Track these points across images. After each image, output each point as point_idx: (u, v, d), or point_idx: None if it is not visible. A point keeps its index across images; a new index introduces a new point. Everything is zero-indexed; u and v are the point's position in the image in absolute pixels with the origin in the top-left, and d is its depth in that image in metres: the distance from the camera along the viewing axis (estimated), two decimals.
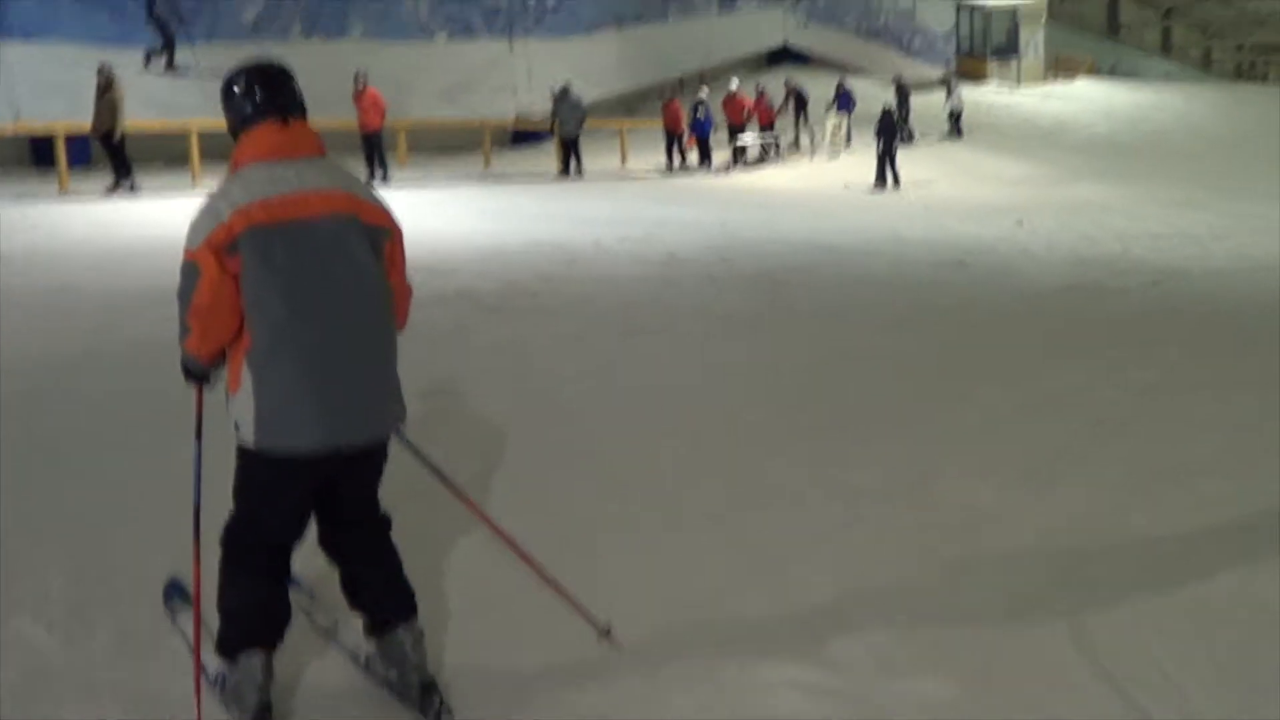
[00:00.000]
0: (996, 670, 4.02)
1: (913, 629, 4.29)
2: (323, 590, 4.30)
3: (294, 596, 3.78)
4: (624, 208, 18.01)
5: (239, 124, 3.60)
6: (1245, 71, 71.04)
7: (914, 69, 38.71)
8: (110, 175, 17.38)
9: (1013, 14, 39.77)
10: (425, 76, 26.30)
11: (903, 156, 24.53)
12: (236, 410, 3.44)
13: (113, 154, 17.28)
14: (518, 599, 4.37)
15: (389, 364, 3.63)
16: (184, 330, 3.43)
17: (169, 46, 22.61)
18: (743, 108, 27.42)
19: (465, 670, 4.00)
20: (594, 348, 8.72)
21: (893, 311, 10.43)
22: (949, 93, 31.25)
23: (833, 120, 29.04)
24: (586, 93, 24.86)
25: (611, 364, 8.25)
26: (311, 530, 3.73)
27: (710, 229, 15.89)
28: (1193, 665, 4.05)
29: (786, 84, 29.99)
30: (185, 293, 3.38)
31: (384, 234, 3.63)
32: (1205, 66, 66.43)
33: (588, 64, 29.52)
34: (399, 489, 4.00)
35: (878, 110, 24.81)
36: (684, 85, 32.05)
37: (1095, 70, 43.38)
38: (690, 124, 26.23)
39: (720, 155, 26.79)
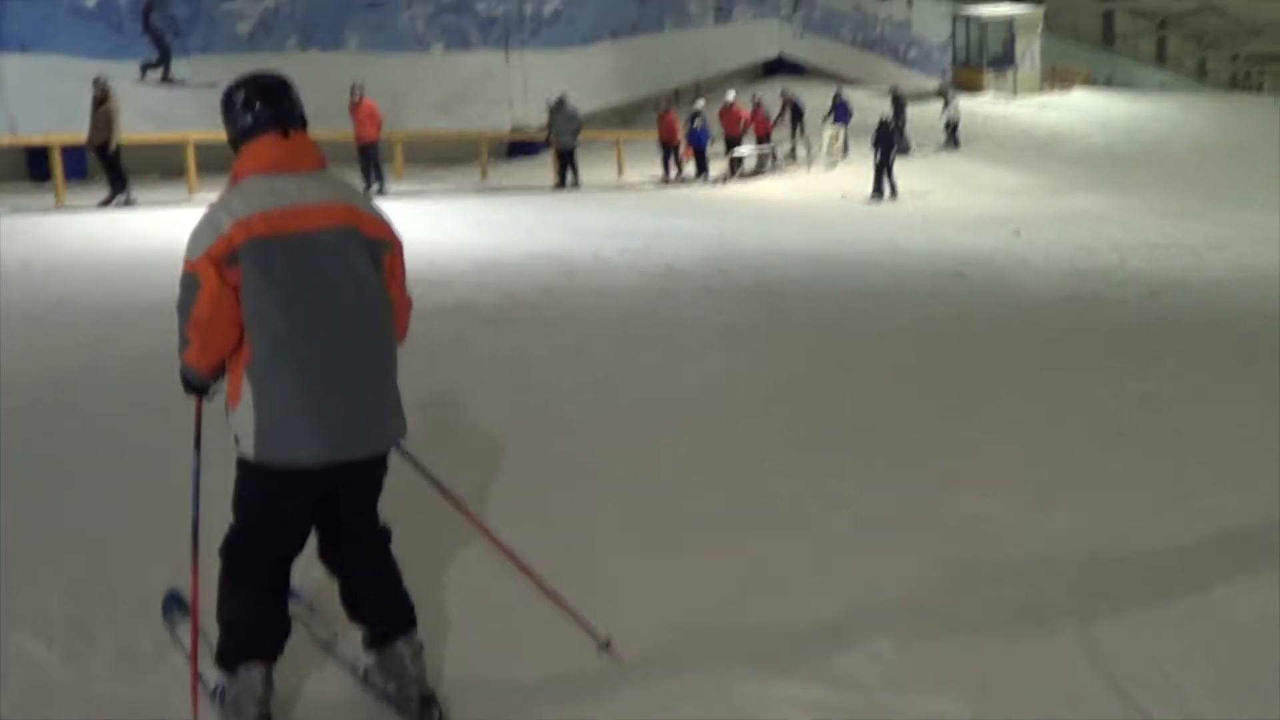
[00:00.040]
0: (1004, 683, 4.00)
1: (919, 643, 4.26)
2: (322, 602, 4.29)
3: (293, 608, 3.77)
4: (621, 219, 18.00)
5: (239, 136, 3.59)
6: (1240, 81, 71.37)
7: (910, 80, 38.85)
8: (106, 188, 17.34)
9: (1009, 24, 39.86)
10: (421, 88, 26.29)
11: (899, 167, 24.53)
12: (236, 423, 3.43)
13: (108, 166, 17.25)
14: (517, 611, 4.35)
15: (389, 377, 3.62)
16: (184, 342, 3.43)
17: (165, 59, 22.59)
18: (739, 118, 27.43)
19: (465, 683, 3.98)
20: (593, 359, 8.70)
21: (892, 323, 10.42)
22: (946, 103, 31.26)
23: (829, 131, 29.05)
24: (582, 104, 24.83)
25: (611, 375, 8.24)
26: (310, 542, 3.71)
27: (708, 240, 15.88)
28: (1200, 676, 4.03)
29: (783, 95, 30.03)
30: (185, 305, 3.37)
31: (384, 246, 3.63)
32: (1200, 76, 66.75)
33: (583, 75, 29.54)
34: (398, 501, 3.98)
35: (874, 121, 24.84)
36: (680, 96, 32.07)
37: (1091, 81, 43.46)
38: (687, 135, 26.21)
39: (717, 166, 26.76)
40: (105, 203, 17.02)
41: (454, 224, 16.16)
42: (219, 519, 3.62)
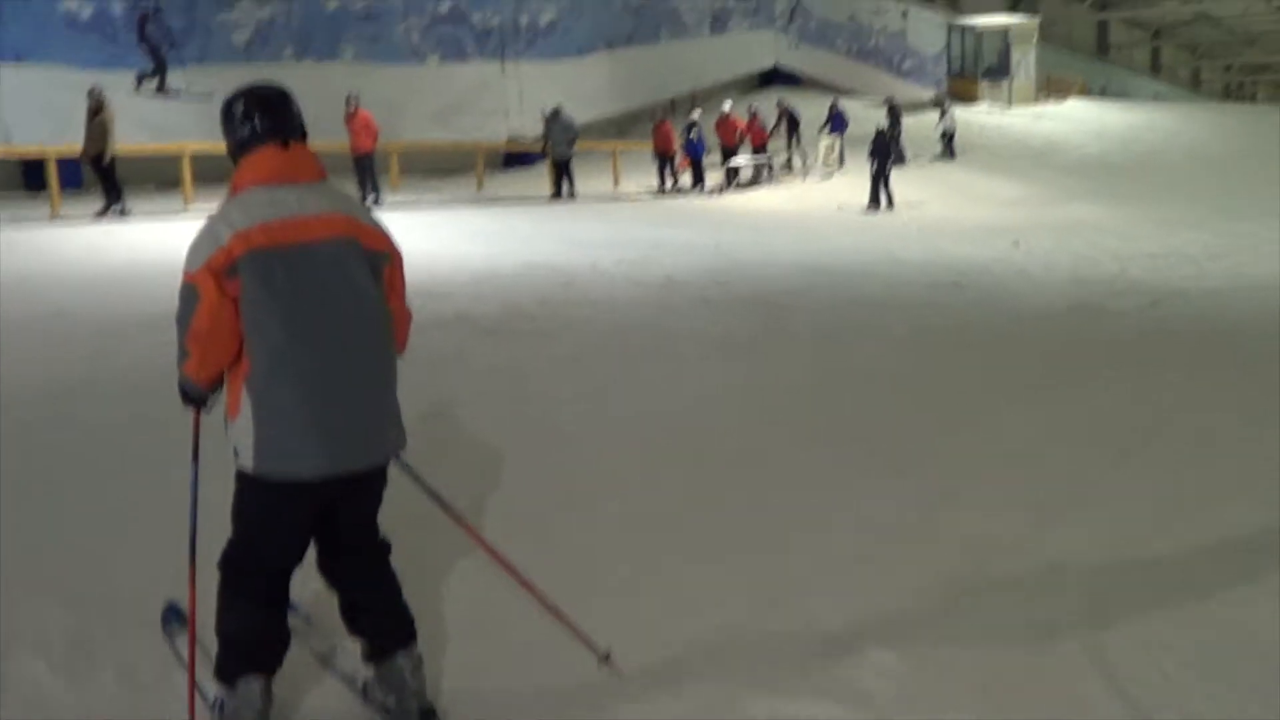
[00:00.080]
0: (1014, 696, 3.98)
1: (928, 657, 4.22)
2: (319, 615, 4.27)
3: (291, 621, 3.76)
4: (619, 230, 17.98)
5: (238, 147, 3.59)
6: (1234, 91, 71.63)
7: (905, 90, 38.96)
8: (101, 199, 17.29)
9: (1004, 35, 39.93)
10: (417, 99, 26.34)
11: (896, 177, 24.49)
12: (235, 435, 3.43)
13: (103, 177, 17.21)
14: (516, 624, 4.34)
15: (389, 389, 3.62)
16: (183, 354, 3.43)
17: (160, 69, 22.61)
18: (736, 129, 27.43)
19: (464, 696, 3.97)
20: (592, 370, 8.66)
21: (891, 334, 10.38)
22: (942, 114, 31.27)
23: (826, 141, 29.06)
24: (578, 115, 24.87)
25: (610, 387, 8.20)
26: (309, 554, 3.69)
27: (705, 251, 15.85)
28: (1208, 685, 4.02)
29: (779, 105, 30.04)
30: (184, 316, 3.37)
31: (384, 258, 3.64)
32: (1194, 86, 67.02)
33: (579, 86, 29.61)
34: (397, 513, 3.96)
35: (870, 131, 24.83)
36: (675, 107, 32.10)
37: (1086, 91, 43.54)
38: (683, 145, 26.19)
39: (713, 177, 26.73)
40: (100, 214, 16.96)
41: (451, 235, 16.13)
42: (218, 531, 3.60)
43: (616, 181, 26.52)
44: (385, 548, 3.81)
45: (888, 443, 7.00)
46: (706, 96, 33.56)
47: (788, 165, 28.95)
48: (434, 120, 26.78)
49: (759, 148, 28.23)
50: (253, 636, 3.57)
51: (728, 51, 37.27)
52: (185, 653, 3.81)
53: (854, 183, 25.68)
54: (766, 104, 30.51)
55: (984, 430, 7.26)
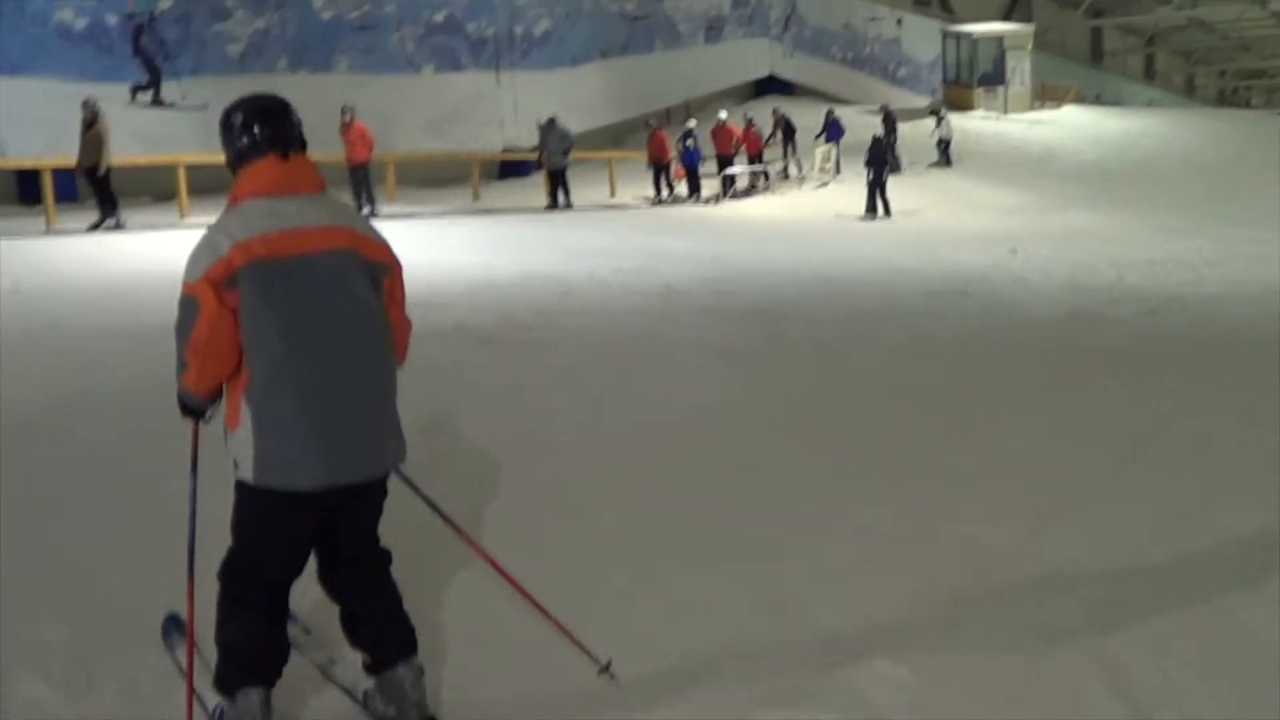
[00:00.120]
0: (1021, 703, 3.96)
1: (933, 666, 4.18)
2: (319, 625, 4.26)
3: (290, 632, 3.77)
4: (615, 239, 17.95)
5: (237, 158, 3.59)
6: (1228, 97, 71.74)
7: (900, 98, 39.00)
8: (96, 211, 17.24)
9: (999, 42, 39.93)
10: (412, 109, 26.36)
11: (892, 185, 24.51)
12: (235, 447, 3.43)
13: (98, 189, 17.17)
14: (516, 634, 4.34)
15: (389, 400, 3.62)
16: (182, 365, 3.43)
17: (155, 81, 22.61)
18: (732, 137, 27.39)
19: (464, 706, 3.97)
20: (590, 381, 8.62)
21: (890, 343, 10.34)
22: (939, 121, 31.26)
23: (822, 149, 29.06)
24: (573, 124, 24.84)
25: (608, 397, 8.15)
26: (308, 565, 3.68)
27: (703, 260, 15.83)
28: (1216, 691, 4.01)
29: (775, 113, 30.03)
30: (183, 327, 3.36)
31: (384, 269, 3.64)
32: (1189, 92, 67.14)
33: (574, 96, 29.64)
34: (397, 524, 3.93)
35: (865, 139, 24.84)
36: (670, 116, 32.10)
37: (1081, 98, 43.58)
38: (680, 154, 26.16)
39: (709, 185, 26.72)
40: (95, 226, 16.92)
41: (448, 245, 16.09)
42: (218, 542, 3.58)
43: (613, 191, 26.49)
44: (385, 558, 3.79)
45: (886, 451, 6.98)
46: (701, 105, 33.58)
47: (784, 174, 28.95)
48: (429, 130, 26.80)
49: (755, 156, 28.22)
50: (252, 647, 3.55)
51: (723, 60, 37.33)
52: (185, 663, 3.79)
53: (850, 191, 25.70)
54: (762, 113, 30.52)
55: (983, 438, 7.23)
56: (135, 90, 22.32)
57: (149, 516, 5.31)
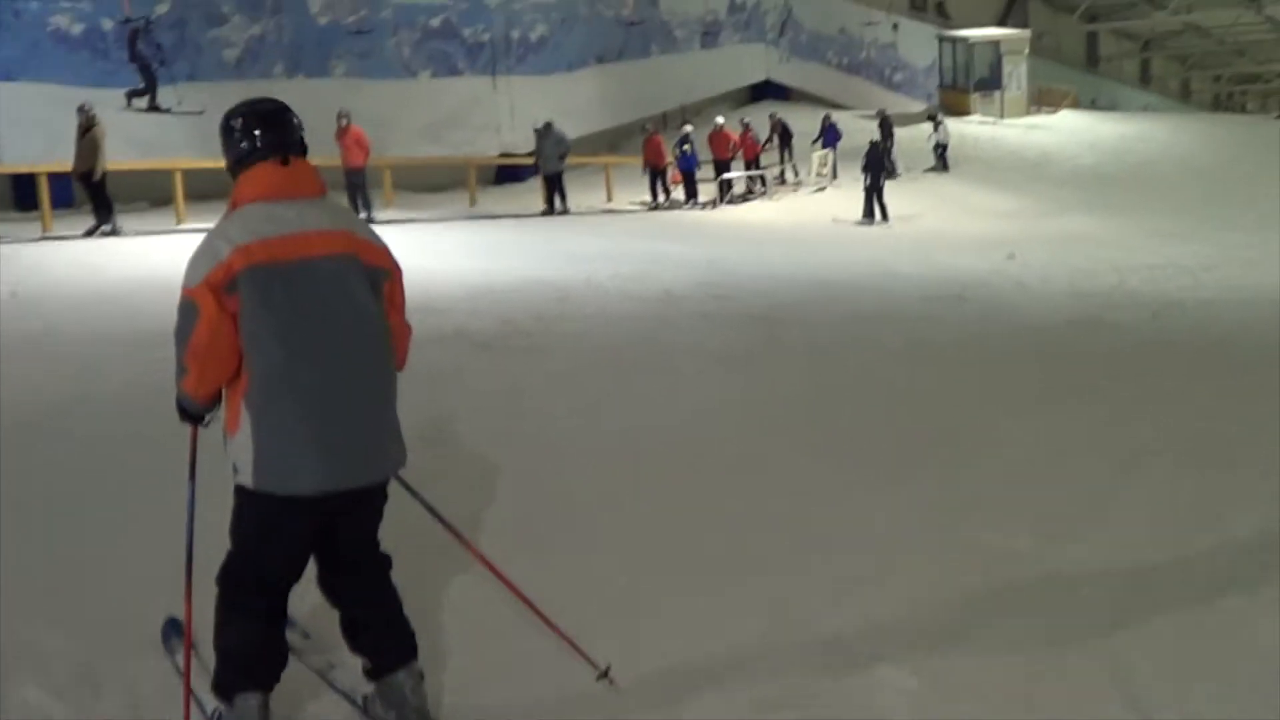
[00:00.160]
0: (1032, 712, 3.94)
1: (943, 675, 4.16)
2: (317, 630, 4.26)
3: (289, 637, 3.77)
4: (613, 244, 17.93)
5: (237, 163, 3.58)
6: (1224, 102, 71.85)
7: (896, 102, 39.01)
8: (92, 217, 17.19)
9: (995, 47, 39.96)
10: (408, 114, 26.32)
11: (889, 190, 24.53)
12: (235, 451, 3.43)
13: (93, 195, 17.10)
14: (515, 640, 4.34)
15: (389, 405, 3.62)
16: (181, 370, 3.43)
17: (151, 86, 22.54)
18: (728, 142, 27.34)
19: (463, 711, 3.97)
20: (589, 386, 8.59)
21: (890, 348, 10.32)
22: (936, 126, 31.25)
23: (819, 154, 29.05)
24: (569, 129, 24.81)
25: (607, 402, 8.13)
26: (306, 570, 3.67)
27: (700, 265, 15.81)
28: (1226, 696, 3.99)
29: (772, 118, 30.03)
30: (183, 331, 3.36)
31: (384, 274, 3.64)
32: (1184, 97, 67.28)
33: (571, 101, 29.64)
34: (396, 529, 3.92)
35: (862, 144, 24.84)
36: (667, 121, 32.08)
37: (1078, 103, 43.63)
38: (676, 159, 26.12)
39: (706, 190, 26.69)
40: (90, 232, 16.86)
41: (445, 250, 16.04)
42: (217, 547, 3.57)
43: (609, 196, 26.47)
44: (386, 563, 3.79)
45: (887, 455, 6.96)
46: (698, 111, 33.58)
47: (781, 178, 28.94)
48: (425, 136, 26.78)
49: (752, 161, 28.21)
50: (251, 652, 3.55)
51: (719, 65, 37.33)
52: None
53: (847, 196, 25.71)
54: (758, 118, 30.51)
55: (989, 444, 7.19)
56: (131, 95, 22.25)
57: (148, 521, 5.27)
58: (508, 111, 28.90)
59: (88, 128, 16.82)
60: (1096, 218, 24.40)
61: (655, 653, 4.30)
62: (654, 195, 26.08)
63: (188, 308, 3.33)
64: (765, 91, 39.31)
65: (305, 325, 3.38)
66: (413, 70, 27.48)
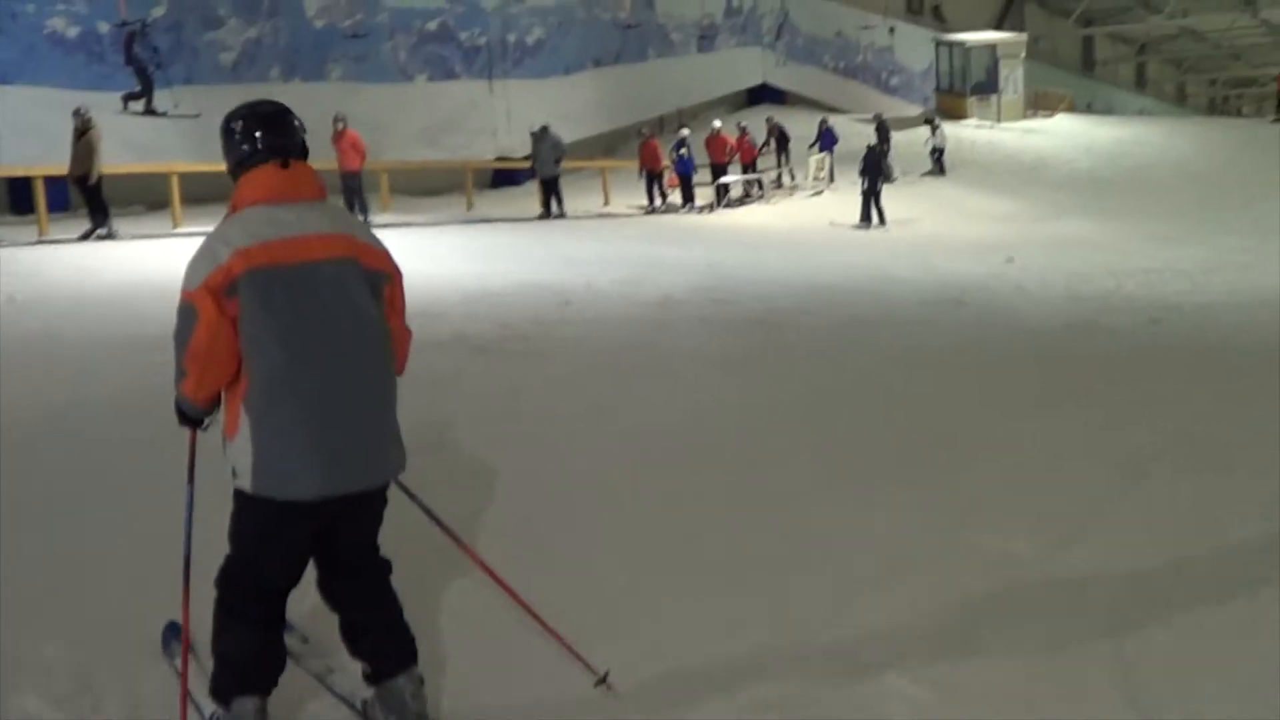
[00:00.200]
0: (1031, 714, 3.92)
1: (948, 681, 4.13)
2: (315, 634, 4.24)
3: (287, 641, 3.75)
4: (610, 248, 17.94)
5: (238, 166, 3.56)
6: (1219, 106, 71.96)
7: (892, 106, 39.00)
8: (88, 220, 17.15)
9: (992, 51, 39.97)
10: (405, 118, 26.33)
11: (886, 194, 24.53)
12: (234, 455, 3.41)
13: (89, 198, 17.06)
14: (516, 645, 4.33)
15: (388, 409, 3.60)
16: (180, 373, 3.41)
17: (147, 89, 22.52)
18: (725, 146, 27.35)
19: (463, 716, 3.96)
20: (589, 391, 8.57)
21: (891, 352, 10.30)
22: (933, 130, 31.26)
23: (815, 158, 29.06)
24: (566, 133, 24.84)
25: (607, 407, 8.09)
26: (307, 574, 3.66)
27: (699, 269, 15.82)
28: (1228, 697, 3.99)
29: (769, 122, 30.05)
30: (182, 335, 3.35)
31: (384, 278, 3.62)
32: (1180, 101, 67.38)
33: (567, 105, 29.65)
34: (396, 533, 3.90)
35: (858, 148, 24.85)
36: (663, 124, 32.10)
37: (1074, 107, 43.66)
38: (673, 163, 26.11)
39: (703, 194, 26.68)
40: (86, 236, 16.82)
41: (443, 254, 16.05)
42: (215, 550, 3.56)
43: (606, 200, 26.48)
44: (386, 568, 3.77)
45: (888, 460, 6.93)
46: (694, 114, 33.59)
47: (778, 182, 28.94)
48: (421, 139, 26.77)
49: (748, 165, 28.21)
50: (248, 656, 3.54)
51: (715, 69, 37.39)
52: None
53: (844, 200, 25.76)
54: (755, 121, 30.53)
55: (991, 450, 7.15)
56: (127, 98, 22.23)
57: (148, 525, 5.24)
58: (504, 115, 28.91)
59: (83, 131, 16.78)
60: (1093, 221, 24.42)
61: (655, 657, 4.28)
62: (650, 199, 26.08)
63: (187, 311, 3.31)
64: (762, 95, 39.39)
65: (305, 329, 3.36)
66: (409, 74, 27.48)
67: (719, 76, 37.54)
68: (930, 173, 30.84)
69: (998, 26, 45.52)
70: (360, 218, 18.99)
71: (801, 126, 30.59)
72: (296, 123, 3.62)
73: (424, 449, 5.77)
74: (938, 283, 15.32)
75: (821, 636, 4.49)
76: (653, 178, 26.08)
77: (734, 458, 6.94)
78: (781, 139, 29.35)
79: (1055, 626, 4.54)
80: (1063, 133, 37.85)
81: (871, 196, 23.93)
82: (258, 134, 3.53)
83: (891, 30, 43.86)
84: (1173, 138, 37.53)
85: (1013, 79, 40.01)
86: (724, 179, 27.12)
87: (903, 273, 16.49)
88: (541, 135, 23.61)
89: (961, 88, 40.37)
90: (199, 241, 3.44)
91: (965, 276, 16.07)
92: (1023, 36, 41.92)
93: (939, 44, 41.68)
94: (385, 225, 18.82)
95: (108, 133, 17.63)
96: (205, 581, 3.56)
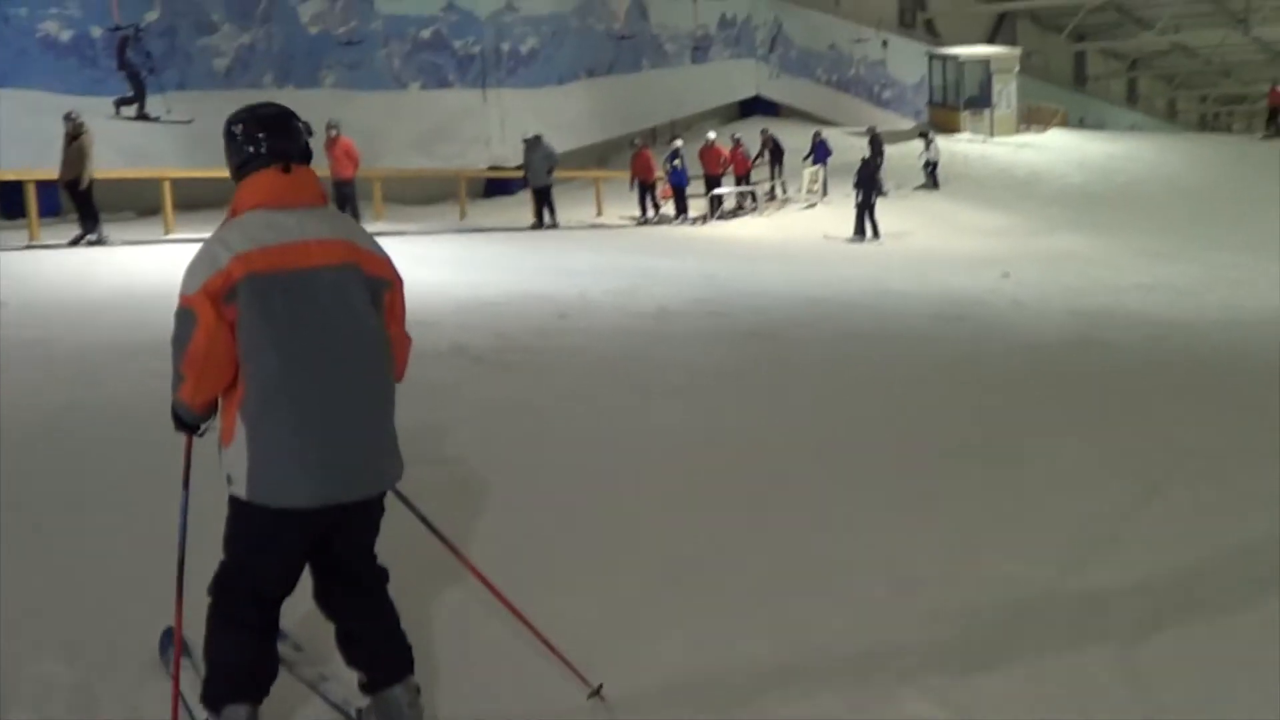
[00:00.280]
0: None
1: (963, 697, 4.09)
2: (309, 642, 4.21)
3: (280, 649, 3.71)
4: (604, 259, 17.95)
5: (239, 169, 3.52)
6: (1210, 122, 72.20)
7: (885, 119, 39.06)
8: (77, 225, 17.06)
9: (985, 65, 40.02)
10: (398, 126, 26.30)
11: (880, 208, 24.50)
12: (229, 462, 3.39)
13: (80, 203, 16.96)
14: (512, 656, 4.32)
15: (386, 417, 3.57)
16: (177, 378, 3.39)
17: (140, 95, 22.44)
18: (720, 157, 27.32)
19: None
20: (586, 401, 8.54)
21: (888, 367, 10.30)
22: (927, 144, 31.28)
23: (809, 171, 29.06)
24: (559, 143, 24.80)
25: (605, 418, 8.08)
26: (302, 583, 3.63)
27: (693, 280, 15.82)
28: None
29: (763, 134, 30.05)
30: (180, 340, 3.32)
31: (385, 285, 3.60)
32: (1171, 117, 67.59)
33: (560, 114, 29.66)
34: (393, 542, 3.85)
35: (851, 161, 24.85)
36: (656, 135, 32.10)
37: (1067, 121, 43.76)
38: (667, 174, 26.08)
39: (696, 206, 26.64)
40: (76, 241, 16.73)
41: (437, 264, 15.97)
42: (210, 556, 3.53)
43: (599, 210, 26.46)
44: (383, 577, 3.75)
45: (891, 477, 6.88)
46: (687, 125, 33.61)
47: (771, 194, 28.93)
48: (415, 147, 26.75)
49: (742, 177, 28.20)
50: (241, 664, 3.51)
51: (709, 81, 37.44)
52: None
53: (837, 212, 25.80)
54: (749, 133, 30.54)
55: (996, 467, 7.11)
56: (119, 103, 22.15)
57: (144, 533, 5.16)
58: (498, 124, 28.88)
59: (75, 135, 16.68)
60: (1085, 236, 24.46)
61: (650, 671, 4.27)
62: (643, 210, 26.04)
63: (185, 316, 3.29)
64: (755, 107, 39.45)
65: (304, 336, 3.33)
66: (403, 82, 27.44)
67: (712, 88, 37.59)
68: (923, 186, 30.84)
69: (990, 41, 45.63)
70: None
71: (794, 139, 30.61)
72: (300, 126, 3.59)
73: (421, 458, 5.73)
74: (934, 297, 15.34)
75: (824, 652, 4.45)
76: (645, 189, 26.03)
77: (733, 472, 6.89)
78: (776, 151, 29.34)
79: (1067, 644, 4.50)
80: (1055, 147, 37.92)
81: (866, 209, 23.92)
82: (260, 137, 3.49)
83: (884, 43, 43.94)
84: (1164, 153, 37.64)
85: (1006, 93, 40.06)
86: (718, 190, 27.08)
87: (898, 287, 16.49)
88: (534, 144, 23.56)
89: (955, 101, 40.40)
90: (191, 248, 3.41)
91: (961, 291, 16.08)
92: (1016, 51, 41.99)
93: (932, 57, 41.72)
94: (378, 234, 18.50)
95: (100, 138, 17.54)
96: (200, 588, 3.53)
